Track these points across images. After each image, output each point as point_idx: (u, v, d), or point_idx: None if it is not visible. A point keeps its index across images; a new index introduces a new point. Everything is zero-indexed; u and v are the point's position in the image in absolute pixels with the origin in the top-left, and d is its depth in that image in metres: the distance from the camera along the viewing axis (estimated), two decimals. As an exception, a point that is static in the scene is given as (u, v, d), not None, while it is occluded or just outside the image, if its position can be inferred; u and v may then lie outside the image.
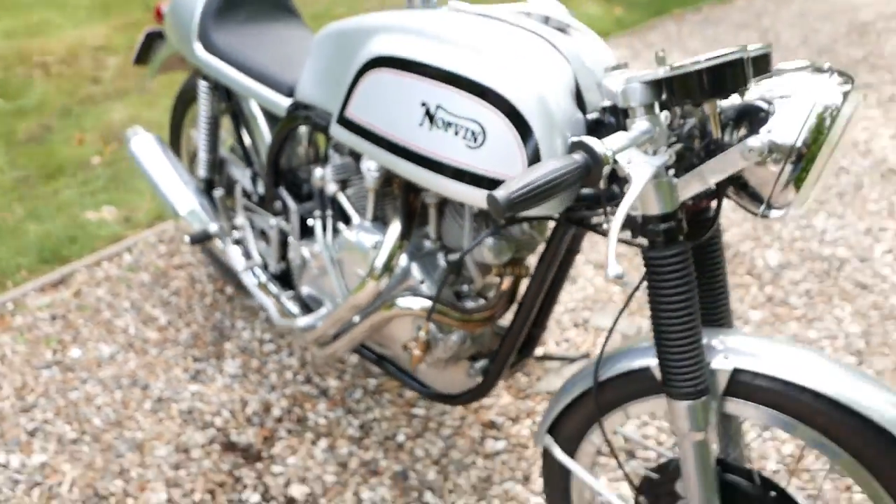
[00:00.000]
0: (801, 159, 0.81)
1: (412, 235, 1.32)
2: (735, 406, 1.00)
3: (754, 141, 0.80)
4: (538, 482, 1.62)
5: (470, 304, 1.33)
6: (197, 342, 2.05)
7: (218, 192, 1.82)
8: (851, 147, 3.09)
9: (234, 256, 1.79)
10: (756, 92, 0.85)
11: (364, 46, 1.20)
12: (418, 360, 1.31)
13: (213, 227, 1.83)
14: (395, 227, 1.30)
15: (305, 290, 1.65)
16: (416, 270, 1.31)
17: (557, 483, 1.28)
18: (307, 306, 1.67)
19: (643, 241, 0.95)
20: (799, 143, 0.81)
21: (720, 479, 1.05)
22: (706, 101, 0.82)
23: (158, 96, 3.67)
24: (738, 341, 1.00)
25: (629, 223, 0.96)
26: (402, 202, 1.29)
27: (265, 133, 1.71)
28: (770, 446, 1.69)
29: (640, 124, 0.84)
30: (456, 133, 1.04)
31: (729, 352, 0.99)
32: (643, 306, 2.14)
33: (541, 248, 1.31)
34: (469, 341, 1.35)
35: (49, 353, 2.02)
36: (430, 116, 1.07)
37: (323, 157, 1.49)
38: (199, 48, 1.72)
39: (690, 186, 0.88)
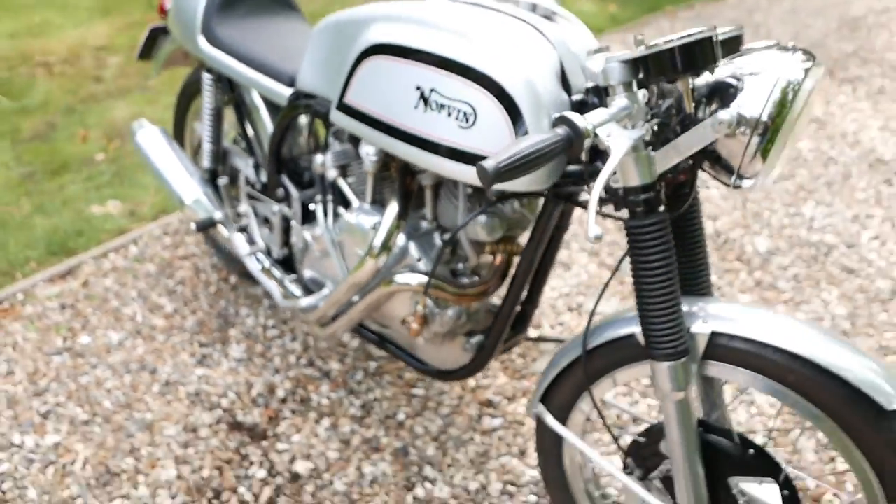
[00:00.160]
0: (767, 131, 0.88)
1: (409, 217, 1.39)
2: (714, 368, 1.07)
3: (724, 114, 0.87)
4: (533, 457, 1.68)
5: (465, 281, 1.39)
6: (202, 329, 2.12)
7: (222, 181, 1.88)
8: (840, 137, 3.15)
9: (239, 243, 1.86)
10: (727, 70, 0.92)
11: (361, 35, 1.27)
12: (416, 333, 1.37)
13: (218, 215, 1.90)
14: (393, 208, 1.36)
15: (307, 273, 1.71)
16: (413, 249, 1.38)
17: (550, 451, 1.34)
18: (309, 290, 1.73)
19: (625, 214, 1.01)
20: (764, 116, 0.87)
21: (702, 439, 1.12)
22: (679, 77, 0.88)
23: (160, 94, 3.74)
24: (717, 307, 1.07)
25: (612, 196, 1.02)
26: (400, 184, 1.36)
27: (267, 123, 1.78)
28: (758, 421, 1.75)
29: (619, 101, 0.90)
30: (449, 114, 1.11)
31: (707, 317, 1.06)
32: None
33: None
34: (465, 316, 1.41)
35: (59, 340, 2.09)
36: (425, 99, 1.13)
37: (323, 145, 1.55)
38: (202, 42, 1.79)
39: (667, 158, 0.94)
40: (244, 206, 1.91)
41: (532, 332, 2.04)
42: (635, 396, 1.84)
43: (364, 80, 1.25)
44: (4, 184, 2.93)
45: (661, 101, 0.98)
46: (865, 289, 2.21)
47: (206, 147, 1.96)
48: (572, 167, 1.09)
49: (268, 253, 1.86)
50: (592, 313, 1.15)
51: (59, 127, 3.43)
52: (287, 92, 1.55)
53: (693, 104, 0.93)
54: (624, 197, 0.98)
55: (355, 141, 1.50)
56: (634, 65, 0.89)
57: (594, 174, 1.06)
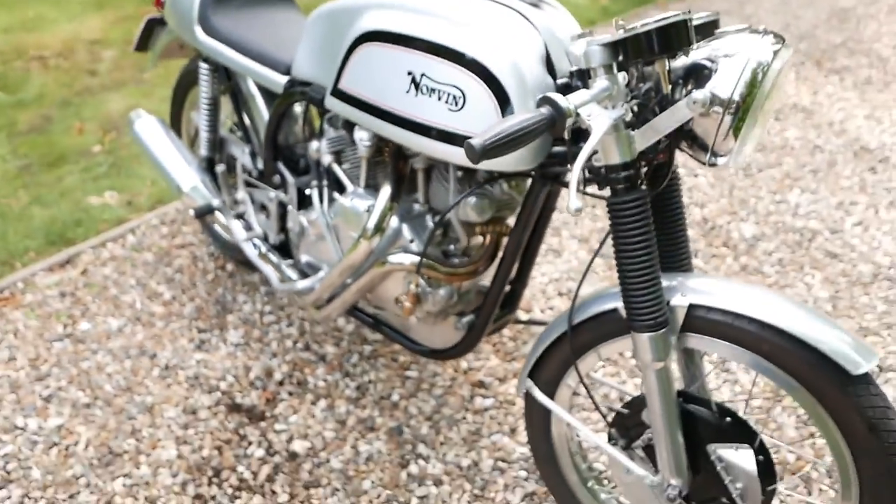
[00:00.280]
0: (738, 110, 0.93)
1: (402, 200, 1.43)
2: (693, 340, 1.12)
3: (698, 94, 0.92)
4: (523, 434, 1.74)
5: (456, 261, 1.44)
6: (201, 315, 2.16)
7: (220, 169, 1.92)
8: (826, 126, 3.21)
9: (236, 229, 1.90)
10: (702, 52, 0.97)
11: (354, 23, 1.31)
12: (409, 312, 1.42)
13: (216, 202, 1.94)
14: (386, 192, 1.41)
15: (303, 257, 1.76)
16: (406, 230, 1.42)
17: (539, 425, 1.39)
18: (305, 273, 1.78)
19: (608, 193, 1.06)
20: (735, 96, 0.92)
21: (681, 408, 1.17)
22: (656, 58, 0.93)
23: (154, 87, 3.77)
24: (696, 282, 1.12)
25: (595, 176, 1.07)
26: (393, 168, 1.41)
27: (263, 111, 1.82)
28: (741, 401, 1.81)
29: (600, 83, 0.95)
30: (440, 98, 1.15)
31: (686, 290, 1.11)
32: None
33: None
34: (456, 296, 1.46)
35: (60, 326, 2.13)
36: (416, 84, 1.18)
37: (318, 132, 1.60)
38: (199, 32, 1.83)
39: (646, 137, 0.99)
40: (241, 193, 1.96)
41: (522, 316, 2.09)
42: (623, 376, 1.89)
43: (357, 67, 1.30)
44: (2, 176, 2.96)
45: (640, 84, 1.02)
46: (848, 273, 2.27)
47: (204, 136, 2.01)
48: (557, 148, 1.14)
49: (265, 239, 1.91)
50: (577, 290, 1.20)
51: (55, 120, 3.46)
52: (282, 80, 1.59)
53: (670, 85, 0.98)
54: (606, 175, 1.03)
55: (349, 127, 1.54)
56: (614, 47, 0.93)
57: (578, 155, 1.10)
